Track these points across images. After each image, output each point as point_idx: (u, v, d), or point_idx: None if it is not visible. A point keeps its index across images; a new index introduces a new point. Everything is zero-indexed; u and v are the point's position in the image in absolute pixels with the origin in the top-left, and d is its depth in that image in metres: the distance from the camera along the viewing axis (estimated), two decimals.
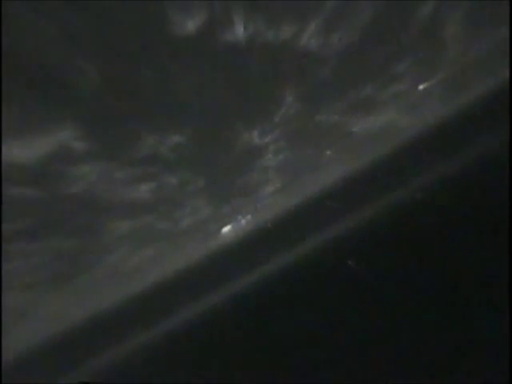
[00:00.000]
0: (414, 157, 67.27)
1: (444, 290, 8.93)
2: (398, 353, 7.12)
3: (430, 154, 55.51)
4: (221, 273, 76.84)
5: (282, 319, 16.93)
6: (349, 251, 24.13)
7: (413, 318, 8.44)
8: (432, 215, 18.83)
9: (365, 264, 17.62)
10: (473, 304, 7.30)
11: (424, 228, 17.40)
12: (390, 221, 24.55)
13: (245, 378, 11.79)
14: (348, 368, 7.92)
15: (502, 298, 6.65)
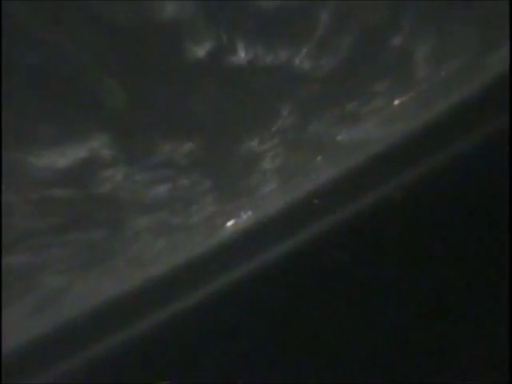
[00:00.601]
0: (390, 162, 67.38)
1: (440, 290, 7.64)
2: (394, 351, 6.18)
3: (402, 161, 55.83)
4: (225, 260, 76.75)
5: (275, 297, 16.78)
6: (335, 241, 24.35)
7: (410, 315, 7.26)
8: (408, 212, 18.27)
9: (350, 253, 17.34)
10: (471, 304, 6.35)
11: (404, 223, 16.81)
12: (372, 215, 24.73)
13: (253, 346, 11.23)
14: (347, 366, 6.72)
15: (502, 296, 5.37)
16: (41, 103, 23.05)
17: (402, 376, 4.98)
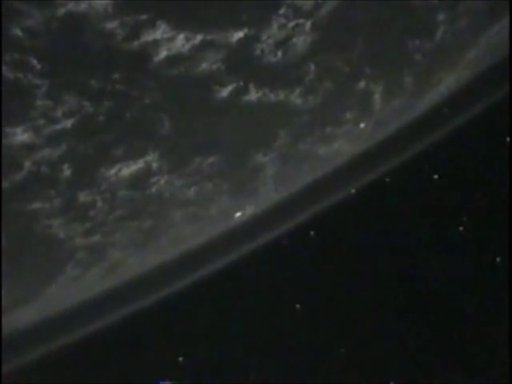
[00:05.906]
0: (354, 169, 68.59)
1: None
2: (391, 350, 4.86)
3: (362, 167, 57.51)
4: (235, 238, 78.33)
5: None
6: (313, 228, 25.08)
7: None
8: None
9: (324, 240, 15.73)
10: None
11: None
12: (339, 208, 25.20)
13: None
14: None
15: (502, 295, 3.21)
16: (113, 132, 24.51)
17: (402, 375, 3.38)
